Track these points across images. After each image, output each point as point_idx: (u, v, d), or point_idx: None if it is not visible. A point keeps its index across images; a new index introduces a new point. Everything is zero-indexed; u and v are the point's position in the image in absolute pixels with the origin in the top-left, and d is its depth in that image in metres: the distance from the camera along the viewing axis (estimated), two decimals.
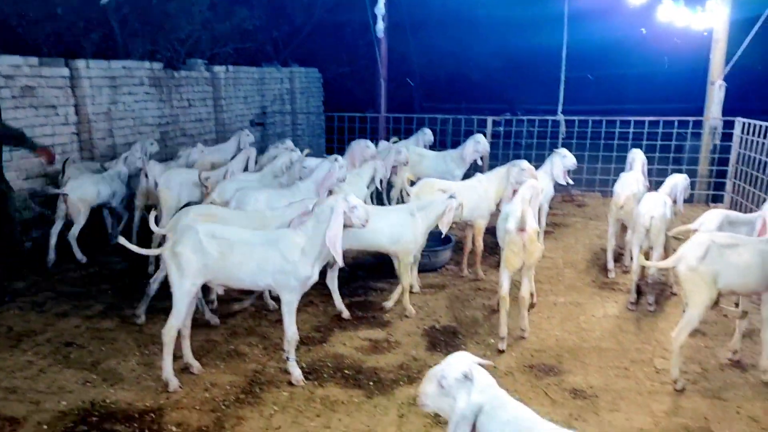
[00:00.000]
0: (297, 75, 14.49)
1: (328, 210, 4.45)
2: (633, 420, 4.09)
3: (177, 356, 4.59)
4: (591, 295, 6.33)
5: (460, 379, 2.60)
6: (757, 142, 9.28)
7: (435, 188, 6.42)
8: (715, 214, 5.42)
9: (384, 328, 5.54)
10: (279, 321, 5.48)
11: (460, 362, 2.64)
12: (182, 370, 4.67)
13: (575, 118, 11.19)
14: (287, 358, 4.61)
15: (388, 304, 5.91)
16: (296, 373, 4.58)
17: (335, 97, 16.31)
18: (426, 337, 5.36)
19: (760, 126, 9.28)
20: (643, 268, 6.12)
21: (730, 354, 4.94)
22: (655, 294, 5.96)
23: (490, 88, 21.87)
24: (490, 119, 11.61)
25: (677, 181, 6.36)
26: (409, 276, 5.83)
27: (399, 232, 5.64)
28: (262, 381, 4.60)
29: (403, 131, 12.01)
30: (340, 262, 4.57)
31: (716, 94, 10.86)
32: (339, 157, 6.50)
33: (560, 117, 11.38)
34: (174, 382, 4.44)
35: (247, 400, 4.33)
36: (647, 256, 5.86)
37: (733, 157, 10.26)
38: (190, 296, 4.40)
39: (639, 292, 6.05)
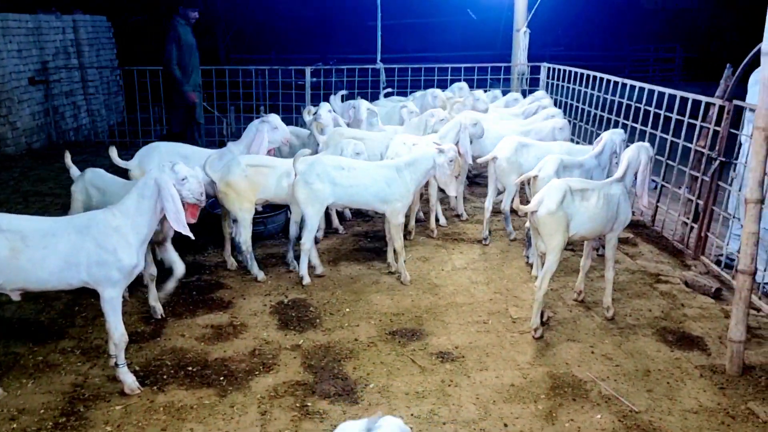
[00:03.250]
0: (82, 24, 12.55)
1: (152, 185, 3.73)
2: (503, 377, 4.01)
3: None
4: (435, 248, 6.23)
5: None
6: (562, 86, 9.86)
7: (345, 136, 5.94)
8: (552, 160, 5.50)
9: (226, 311, 4.92)
10: (97, 317, 4.69)
11: None
12: None
13: (395, 66, 11.04)
14: (116, 365, 3.85)
15: (405, 276, 5.41)
16: (129, 381, 3.84)
17: (132, 50, 14.53)
18: (275, 314, 4.84)
19: (563, 70, 9.87)
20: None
21: (575, 295, 5.10)
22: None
23: (300, 38, 21.12)
24: (308, 69, 11.06)
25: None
26: (400, 239, 5.37)
27: (384, 190, 5.21)
28: (85, 396, 3.80)
29: (214, 86, 10.99)
30: (191, 236, 3.91)
31: (522, 41, 11.32)
32: (271, 116, 5.85)
33: (380, 65, 11.16)
34: None
35: (69, 424, 3.53)
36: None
37: None
38: None
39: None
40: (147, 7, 16.29)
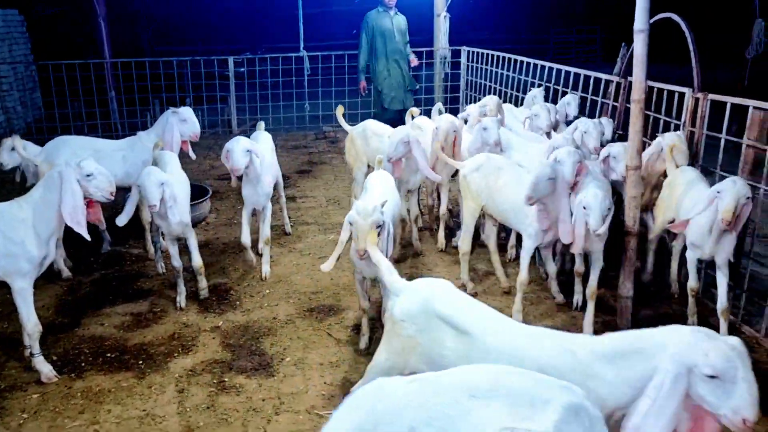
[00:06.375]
0: None
1: (57, 178, 3.77)
2: None
3: None
4: None
5: None
6: (481, 68, 10.19)
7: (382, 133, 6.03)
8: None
9: (147, 299, 4.98)
10: (12, 312, 4.64)
11: None
12: None
13: (318, 54, 11.13)
14: (31, 354, 3.89)
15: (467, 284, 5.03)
16: (45, 370, 3.89)
17: (46, 44, 14.03)
18: (196, 300, 4.92)
19: (482, 53, 10.21)
20: None
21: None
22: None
23: (228, 28, 20.86)
24: (231, 59, 11.04)
25: None
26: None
27: None
28: (1, 388, 3.82)
29: (134, 78, 10.80)
30: (87, 237, 3.90)
31: (442, 25, 11.60)
32: (182, 109, 5.62)
33: (303, 53, 11.22)
34: None
35: None
36: None
37: (462, 83, 11.18)
38: None
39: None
40: (58, 0, 15.75)
